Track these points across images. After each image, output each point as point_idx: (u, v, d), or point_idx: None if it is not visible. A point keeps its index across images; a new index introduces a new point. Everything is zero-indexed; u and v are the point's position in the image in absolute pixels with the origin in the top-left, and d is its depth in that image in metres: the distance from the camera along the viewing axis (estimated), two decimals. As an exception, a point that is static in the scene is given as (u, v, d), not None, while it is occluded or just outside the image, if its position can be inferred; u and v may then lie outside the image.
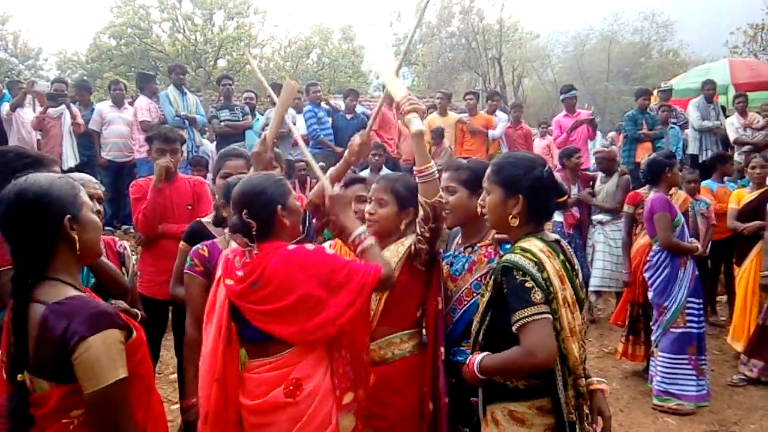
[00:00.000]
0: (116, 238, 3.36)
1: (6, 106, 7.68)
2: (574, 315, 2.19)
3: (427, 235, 2.62)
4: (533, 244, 2.21)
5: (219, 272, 2.53)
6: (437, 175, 2.64)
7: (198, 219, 3.56)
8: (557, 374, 2.14)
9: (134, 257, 3.37)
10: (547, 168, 2.32)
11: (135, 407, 1.85)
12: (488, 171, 2.39)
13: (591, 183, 7.14)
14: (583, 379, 2.22)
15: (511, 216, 2.29)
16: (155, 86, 8.52)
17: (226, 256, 2.53)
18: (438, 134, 9.07)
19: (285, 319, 2.30)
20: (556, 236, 2.38)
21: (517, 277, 2.11)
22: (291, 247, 2.35)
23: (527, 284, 2.09)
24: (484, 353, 2.21)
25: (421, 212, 2.61)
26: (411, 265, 2.72)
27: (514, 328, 2.08)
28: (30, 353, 1.76)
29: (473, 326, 2.37)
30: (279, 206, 2.37)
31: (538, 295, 2.07)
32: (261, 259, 2.33)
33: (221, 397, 2.37)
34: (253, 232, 2.36)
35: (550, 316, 2.08)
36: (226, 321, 2.41)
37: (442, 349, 2.68)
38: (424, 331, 2.85)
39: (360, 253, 2.47)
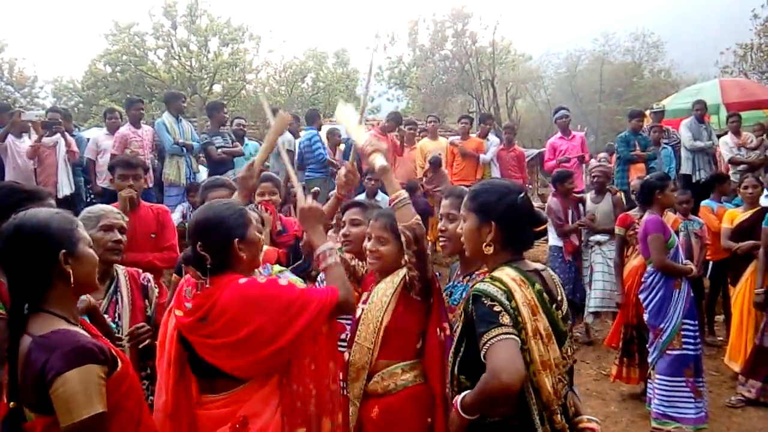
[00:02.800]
0: (140, 270, 3.31)
1: None
2: (549, 348, 2.12)
3: (414, 259, 2.64)
4: (505, 273, 2.17)
5: (172, 302, 2.48)
6: (409, 201, 2.69)
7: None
8: (533, 408, 2.08)
9: (156, 289, 3.31)
10: (522, 195, 2.29)
11: None
12: (465, 198, 2.38)
13: (581, 204, 7.11)
14: (560, 416, 2.13)
15: (485, 244, 2.26)
16: (140, 111, 8.50)
17: (180, 285, 2.46)
18: (436, 162, 9.13)
19: (237, 353, 2.21)
20: (537, 265, 2.33)
21: (486, 302, 2.06)
22: (243, 281, 2.26)
23: (495, 308, 2.04)
24: (465, 392, 2.13)
25: (402, 238, 2.64)
26: (407, 296, 2.74)
27: (482, 353, 2.01)
28: (18, 383, 1.82)
29: (449, 359, 2.32)
30: (236, 239, 2.30)
31: (506, 318, 2.02)
32: (212, 293, 2.24)
33: None
34: (208, 265, 2.27)
35: (516, 338, 2.01)
36: (176, 352, 2.35)
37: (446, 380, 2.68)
38: None
39: (323, 270, 2.46)
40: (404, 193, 2.69)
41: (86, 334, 1.93)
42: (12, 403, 1.83)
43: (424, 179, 9.27)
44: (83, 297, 2.59)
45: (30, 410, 1.82)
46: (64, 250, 1.88)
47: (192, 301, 2.29)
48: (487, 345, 2.00)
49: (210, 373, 2.29)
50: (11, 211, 1.99)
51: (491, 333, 2.01)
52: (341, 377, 2.74)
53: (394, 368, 2.72)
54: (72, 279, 1.89)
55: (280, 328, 2.21)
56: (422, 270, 2.67)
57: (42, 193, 2.82)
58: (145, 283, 3.25)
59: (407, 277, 2.71)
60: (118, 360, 1.92)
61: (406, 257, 2.66)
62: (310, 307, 2.25)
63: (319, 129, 9.43)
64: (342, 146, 9.76)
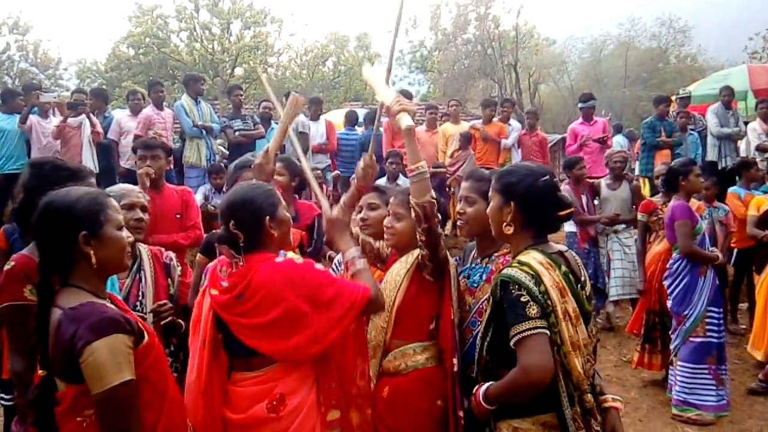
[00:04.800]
0: (162, 249, 3.34)
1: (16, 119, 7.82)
2: (578, 329, 2.15)
3: (424, 238, 2.62)
4: (531, 257, 2.19)
5: (205, 282, 2.51)
6: (428, 175, 2.65)
7: (214, 230, 3.57)
8: (561, 389, 2.11)
9: (179, 268, 3.34)
10: (545, 178, 2.30)
11: (145, 410, 1.91)
12: (492, 179, 2.42)
13: (596, 191, 7.02)
14: (590, 395, 2.18)
15: (505, 223, 2.29)
16: (161, 94, 8.54)
17: (213, 265, 2.51)
18: (466, 139, 9.11)
19: (270, 334, 2.25)
20: (560, 247, 2.35)
21: (513, 291, 2.09)
22: (279, 259, 2.32)
23: (522, 299, 2.07)
24: (489, 383, 2.18)
25: (413, 214, 2.63)
26: (420, 276, 2.74)
27: (511, 343, 2.06)
28: (50, 354, 1.88)
29: (477, 342, 2.35)
30: (267, 217, 2.35)
31: (533, 310, 2.05)
32: (247, 271, 2.30)
33: (209, 410, 2.33)
34: (241, 244, 2.34)
35: (546, 330, 2.05)
36: (211, 332, 2.38)
37: (455, 361, 2.66)
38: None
39: (352, 275, 2.48)
40: (424, 166, 2.63)
41: (114, 307, 1.97)
42: (42, 372, 1.89)
43: (449, 159, 9.20)
44: None
45: (60, 380, 1.87)
46: (84, 232, 1.91)
47: (228, 279, 2.34)
48: (516, 338, 2.06)
49: (245, 352, 2.33)
50: (54, 187, 2.04)
51: (520, 327, 2.05)
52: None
53: (407, 348, 2.73)
54: (94, 260, 1.93)
55: (311, 311, 2.24)
56: (433, 249, 2.65)
57: (84, 171, 2.84)
58: (168, 262, 3.28)
59: (419, 256, 2.71)
60: (145, 333, 1.96)
61: (417, 236, 2.66)
62: (344, 297, 2.28)
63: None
64: (360, 128, 9.80)
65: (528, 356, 2.02)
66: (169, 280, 3.24)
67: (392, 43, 3.18)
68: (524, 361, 2.03)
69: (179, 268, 3.37)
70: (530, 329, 2.03)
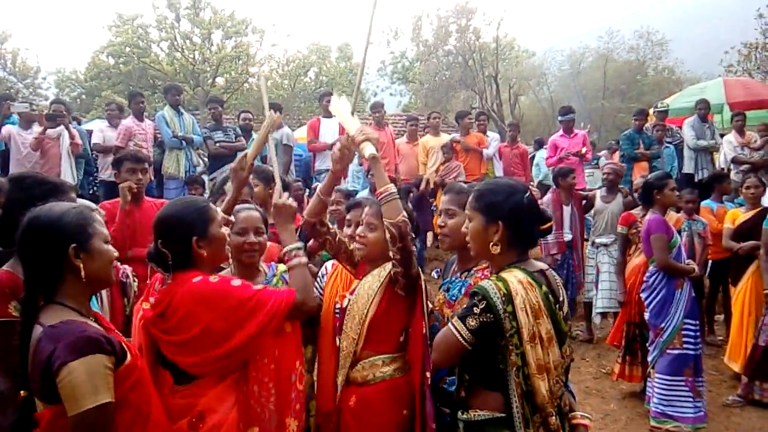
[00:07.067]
0: (118, 264, 3.21)
1: None
2: (549, 351, 2.13)
3: (398, 256, 2.66)
4: (513, 275, 2.18)
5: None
6: (397, 196, 2.69)
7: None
8: (515, 410, 2.12)
9: (136, 283, 3.27)
10: (528, 194, 2.30)
11: None
12: (470, 198, 2.39)
13: (584, 202, 7.11)
14: (554, 417, 2.14)
15: (492, 243, 2.27)
16: (141, 105, 8.50)
17: (153, 279, 2.52)
18: (450, 149, 9.13)
19: (189, 350, 2.27)
20: (541, 266, 2.34)
21: (475, 299, 2.14)
22: (196, 279, 2.29)
23: (475, 309, 2.12)
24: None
25: (387, 234, 2.65)
26: (392, 290, 2.78)
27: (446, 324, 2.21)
28: (29, 373, 1.87)
29: None
30: (195, 237, 2.33)
31: (472, 323, 2.11)
32: (170, 290, 2.30)
33: None
34: (169, 262, 2.32)
35: (466, 345, 2.13)
36: (145, 342, 2.38)
37: (428, 374, 2.69)
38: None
39: (288, 268, 2.51)
40: (392, 188, 2.68)
41: (96, 326, 1.96)
42: (23, 392, 1.88)
43: (431, 171, 9.19)
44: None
45: (38, 399, 1.85)
46: (74, 245, 1.91)
47: (156, 296, 2.36)
48: (448, 324, 2.21)
49: (171, 366, 2.35)
50: (37, 202, 2.05)
51: (456, 322, 2.17)
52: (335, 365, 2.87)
53: (376, 359, 2.78)
54: (83, 274, 1.92)
55: (231, 328, 2.26)
56: (406, 266, 2.69)
57: (66, 185, 2.82)
58: (124, 280, 3.19)
59: (392, 272, 2.74)
60: (128, 353, 1.95)
61: (390, 254, 2.69)
62: (264, 309, 2.30)
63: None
64: None
65: (439, 341, 2.23)
66: (125, 299, 3.14)
67: (359, 74, 3.35)
68: (436, 343, 2.25)
69: (136, 284, 3.28)
70: (456, 328, 2.14)
